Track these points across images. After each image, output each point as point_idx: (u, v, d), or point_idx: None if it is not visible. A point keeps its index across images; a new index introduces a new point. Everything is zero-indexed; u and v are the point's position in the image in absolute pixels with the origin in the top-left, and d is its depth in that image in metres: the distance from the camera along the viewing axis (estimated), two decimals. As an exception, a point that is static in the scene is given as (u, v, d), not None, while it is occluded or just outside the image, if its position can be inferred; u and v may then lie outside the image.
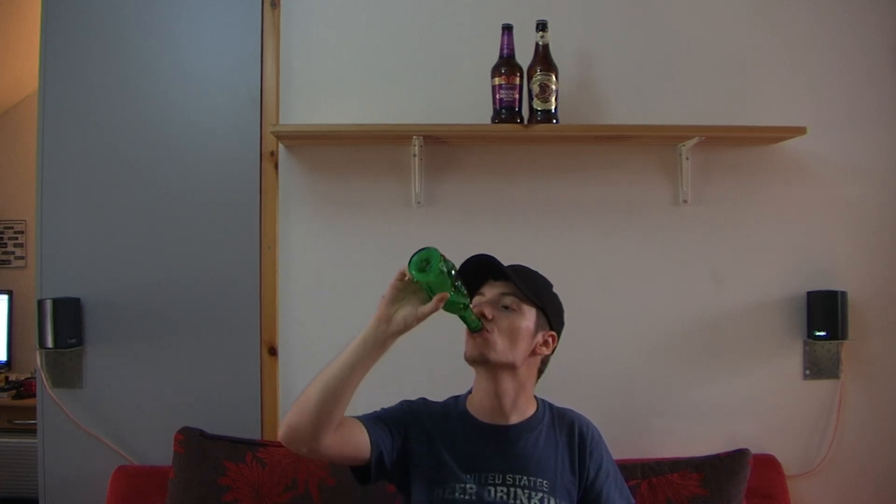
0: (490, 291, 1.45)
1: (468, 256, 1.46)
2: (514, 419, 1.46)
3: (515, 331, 1.41)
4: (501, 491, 1.39)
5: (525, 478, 1.40)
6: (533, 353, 1.45)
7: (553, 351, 1.49)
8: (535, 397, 1.53)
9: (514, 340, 1.41)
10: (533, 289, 1.45)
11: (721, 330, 2.08)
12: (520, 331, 1.41)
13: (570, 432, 1.48)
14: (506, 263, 1.49)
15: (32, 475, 2.05)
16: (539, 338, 1.45)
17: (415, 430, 1.45)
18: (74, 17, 2.03)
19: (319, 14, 2.06)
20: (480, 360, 1.40)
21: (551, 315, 1.47)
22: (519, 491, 1.39)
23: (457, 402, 1.53)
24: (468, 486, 1.39)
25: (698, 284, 2.08)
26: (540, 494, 1.39)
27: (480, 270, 1.45)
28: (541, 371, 1.51)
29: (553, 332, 1.48)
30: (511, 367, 1.42)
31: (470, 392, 1.53)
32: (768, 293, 2.09)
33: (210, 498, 1.77)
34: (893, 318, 2.12)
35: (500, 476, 1.40)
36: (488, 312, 1.40)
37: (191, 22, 2.06)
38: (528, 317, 1.43)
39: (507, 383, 1.43)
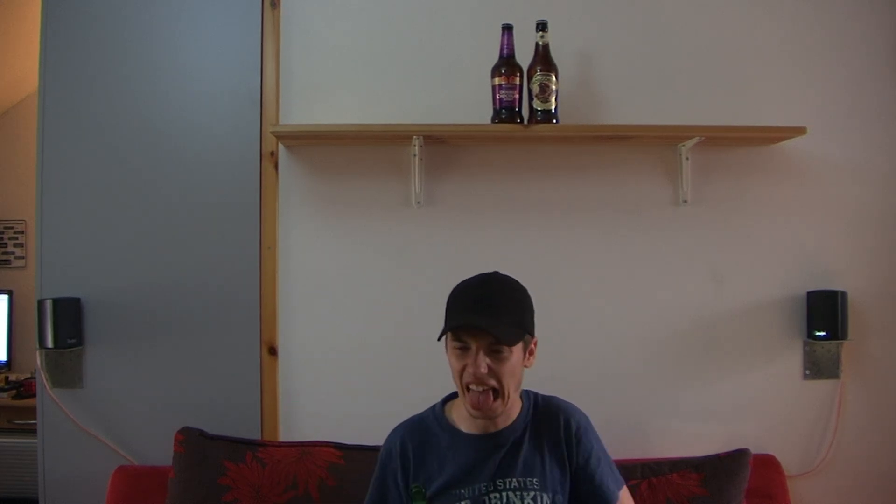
0: (475, 342, 1.37)
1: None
2: (501, 424, 1.46)
3: (511, 373, 1.38)
4: (495, 498, 1.40)
5: (515, 480, 1.41)
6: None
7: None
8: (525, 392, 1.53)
9: (513, 381, 1.40)
10: (519, 322, 1.41)
11: (721, 330, 2.08)
12: (515, 371, 1.39)
13: (555, 425, 1.47)
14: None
15: (32, 475, 2.05)
16: (526, 356, 1.44)
17: (403, 478, 1.47)
18: (74, 17, 2.03)
19: (319, 14, 2.06)
20: (490, 419, 1.42)
21: (530, 327, 1.45)
22: (511, 494, 1.40)
23: (435, 413, 1.52)
24: (463, 502, 1.40)
25: (698, 284, 2.08)
26: (532, 493, 1.40)
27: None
28: None
29: (535, 339, 1.46)
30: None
31: (452, 397, 1.52)
32: (768, 293, 2.09)
33: (210, 498, 1.77)
34: (893, 318, 2.12)
35: (492, 483, 1.41)
36: (483, 367, 1.35)
37: (191, 22, 2.05)
38: (517, 350, 1.39)
39: (506, 400, 1.42)
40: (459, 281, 1.45)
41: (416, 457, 1.47)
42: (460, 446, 1.45)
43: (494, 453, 1.43)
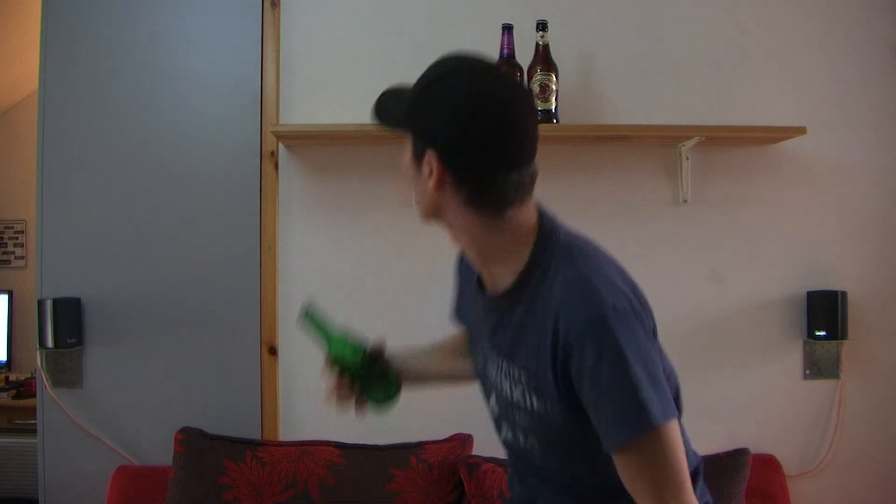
0: None
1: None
2: (494, 287, 1.11)
3: (406, 175, 1.09)
4: (493, 370, 1.13)
5: (507, 363, 1.09)
6: (438, 192, 1.03)
7: (453, 183, 1.02)
8: (533, 251, 1.08)
9: (409, 183, 1.10)
10: (414, 105, 1.06)
11: (721, 330, 2.08)
12: (409, 177, 1.08)
13: (554, 329, 1.00)
14: None
15: (32, 475, 2.05)
16: (424, 169, 1.03)
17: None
18: (74, 17, 2.03)
19: (319, 14, 2.06)
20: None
21: (418, 128, 1.05)
22: (504, 378, 1.10)
23: None
24: (478, 359, 1.20)
25: (698, 284, 2.08)
26: (520, 388, 1.07)
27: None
28: (495, 223, 1.05)
29: (431, 152, 1.01)
30: (435, 219, 1.09)
31: None
32: (768, 293, 2.09)
33: (210, 497, 1.77)
34: (893, 318, 2.12)
35: (491, 357, 1.14)
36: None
37: (191, 22, 2.05)
38: (406, 150, 1.07)
39: (459, 242, 1.12)
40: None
41: (463, 280, 1.27)
42: (473, 293, 1.19)
43: (491, 319, 1.13)
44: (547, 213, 1.15)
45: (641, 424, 0.95)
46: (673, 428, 0.99)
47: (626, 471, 0.99)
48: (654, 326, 1.10)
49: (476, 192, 1.03)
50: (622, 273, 1.10)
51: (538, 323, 1.03)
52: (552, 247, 1.08)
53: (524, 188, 1.06)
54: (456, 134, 1.01)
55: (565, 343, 0.98)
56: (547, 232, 1.10)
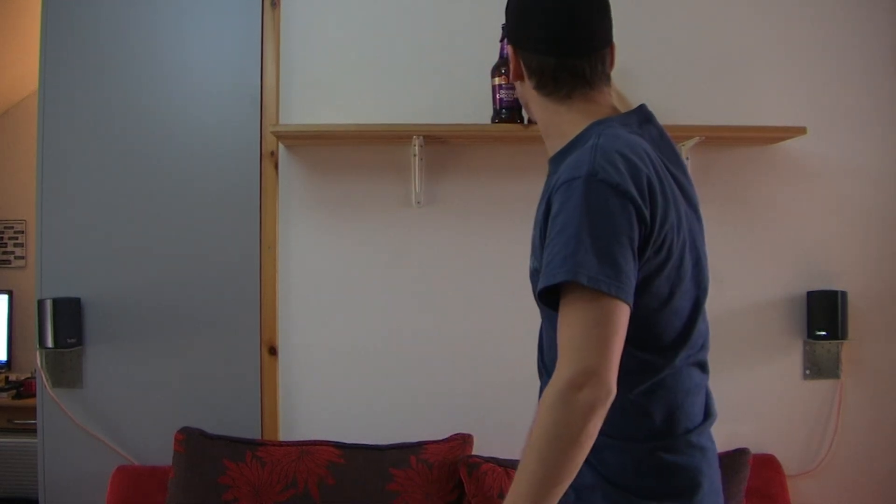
0: None
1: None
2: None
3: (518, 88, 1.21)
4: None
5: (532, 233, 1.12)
6: (520, 83, 1.18)
7: (525, 72, 1.15)
8: (584, 133, 1.10)
9: (523, 101, 1.22)
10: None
11: (721, 330, 2.06)
12: (518, 88, 1.21)
13: (549, 186, 1.07)
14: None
15: (32, 475, 2.05)
16: (511, 64, 1.18)
17: None
18: (74, 16, 2.03)
19: (319, 14, 2.06)
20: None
21: (507, 29, 1.19)
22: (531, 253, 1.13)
23: None
24: None
25: (698, 284, 2.08)
26: (531, 257, 1.11)
27: None
28: (556, 108, 1.14)
29: (508, 45, 1.17)
30: (528, 113, 1.23)
31: None
32: (768, 293, 2.09)
33: (210, 497, 1.77)
34: (893, 318, 2.12)
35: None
36: None
37: (191, 22, 2.05)
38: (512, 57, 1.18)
39: (543, 134, 1.19)
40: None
41: None
42: None
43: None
44: (619, 118, 1.11)
45: (555, 275, 0.94)
46: (603, 301, 0.92)
47: (552, 322, 1.00)
48: (655, 219, 1.00)
49: (537, 76, 1.12)
50: (641, 157, 1.03)
51: (546, 188, 1.09)
52: (599, 129, 1.07)
53: (583, 78, 1.11)
54: (518, 21, 1.14)
55: (549, 198, 1.03)
56: (602, 123, 1.09)
